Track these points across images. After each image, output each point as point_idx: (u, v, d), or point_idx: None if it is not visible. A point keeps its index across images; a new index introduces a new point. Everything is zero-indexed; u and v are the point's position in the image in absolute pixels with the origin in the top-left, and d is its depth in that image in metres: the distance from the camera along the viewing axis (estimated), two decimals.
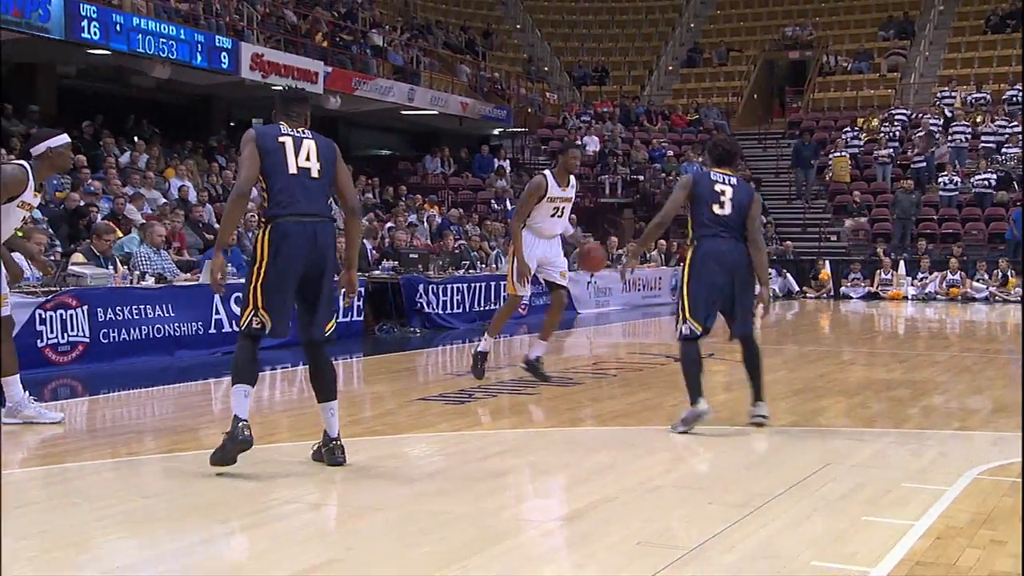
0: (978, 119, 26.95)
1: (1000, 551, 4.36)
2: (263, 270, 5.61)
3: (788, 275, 22.92)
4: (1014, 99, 27.33)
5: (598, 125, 29.21)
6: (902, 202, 24.16)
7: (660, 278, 21.44)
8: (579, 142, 24.57)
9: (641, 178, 27.15)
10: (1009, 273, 22.04)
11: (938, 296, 22.05)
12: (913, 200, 24.40)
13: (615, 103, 30.72)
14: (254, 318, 5.66)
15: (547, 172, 9.42)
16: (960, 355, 8.80)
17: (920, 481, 5.69)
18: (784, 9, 33.37)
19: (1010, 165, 25.29)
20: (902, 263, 22.98)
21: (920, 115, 27.53)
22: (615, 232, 23.19)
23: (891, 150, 26.54)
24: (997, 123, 26.46)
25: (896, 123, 27.76)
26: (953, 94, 28.32)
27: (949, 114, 27.47)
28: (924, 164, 25.69)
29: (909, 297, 22.28)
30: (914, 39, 31.79)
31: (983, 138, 26.24)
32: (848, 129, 27.59)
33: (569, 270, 9.83)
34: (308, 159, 5.72)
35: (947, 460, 6.27)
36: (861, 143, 27.20)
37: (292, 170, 5.65)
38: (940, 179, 25.17)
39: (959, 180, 24.86)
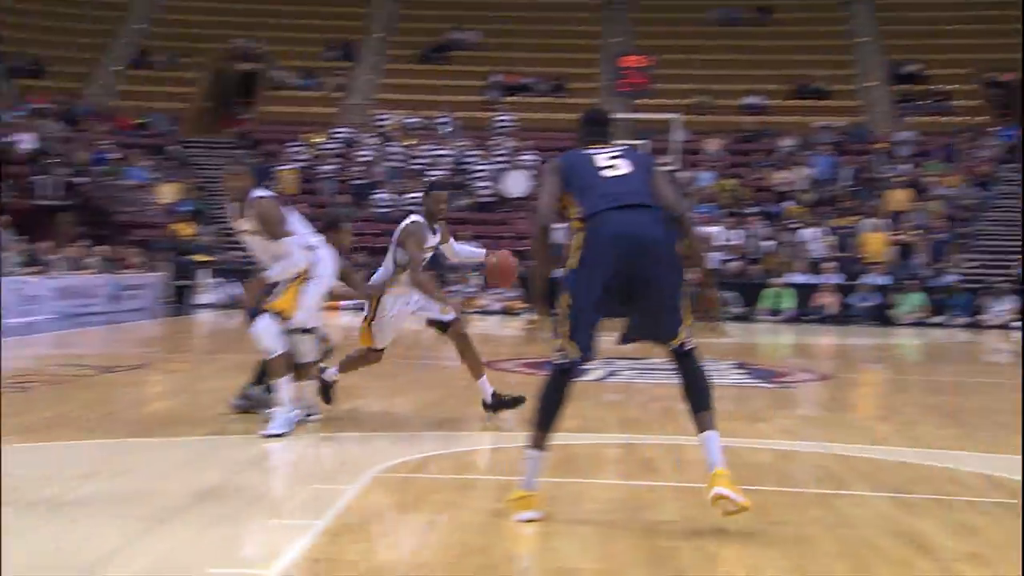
0: (411, 142, 28.72)
1: (382, 543, 4.72)
2: None
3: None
4: (440, 124, 29.48)
5: (35, 122, 27.31)
6: (339, 215, 25.08)
7: (98, 286, 20.50)
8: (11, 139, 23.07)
9: (84, 180, 25.90)
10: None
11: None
12: (348, 214, 25.25)
13: (54, 99, 29.00)
14: None
15: (419, 218, 8.25)
16: (386, 361, 9.29)
17: (326, 482, 6.00)
18: (235, 20, 33.16)
19: (442, 181, 27.15)
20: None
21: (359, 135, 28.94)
22: (53, 237, 21.87)
23: (333, 166, 27.53)
24: (426, 147, 28.36)
25: (338, 140, 28.77)
26: (389, 117, 29.84)
27: (385, 136, 28.96)
28: (364, 181, 26.97)
29: None
30: (356, 62, 33.09)
31: (415, 160, 28.02)
32: (293, 144, 28.19)
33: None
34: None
35: (352, 461, 6.60)
36: (307, 158, 27.91)
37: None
38: (376, 196, 26.48)
39: (393, 197, 26.29)
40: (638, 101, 28.76)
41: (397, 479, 6.09)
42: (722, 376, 11.46)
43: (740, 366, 13.28)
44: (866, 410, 11.31)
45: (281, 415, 7.19)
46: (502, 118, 29.46)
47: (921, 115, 30.54)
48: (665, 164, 26.10)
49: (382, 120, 29.93)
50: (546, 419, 5.18)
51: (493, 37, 34.10)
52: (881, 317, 23.04)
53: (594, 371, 12.03)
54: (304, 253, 7.52)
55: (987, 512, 5.68)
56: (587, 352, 5.14)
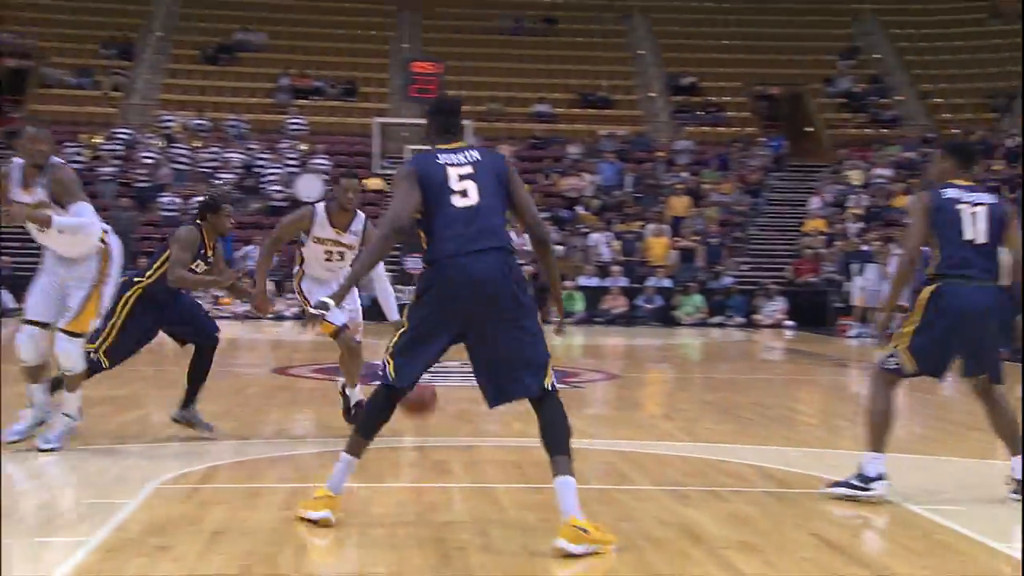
0: (197, 144, 28.03)
1: (165, 556, 4.51)
2: None
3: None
4: (230, 127, 28.88)
5: None
6: (122, 219, 24.20)
7: None
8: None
9: None
10: (223, 292, 23.15)
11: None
12: (132, 217, 24.49)
13: None
14: None
15: (319, 206, 7.93)
16: (172, 370, 9.00)
17: (104, 496, 5.74)
18: (4, 14, 31.87)
19: (225, 189, 26.57)
20: None
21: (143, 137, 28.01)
22: None
23: (115, 168, 26.54)
24: (214, 149, 27.75)
25: (118, 142, 27.77)
26: (173, 118, 29.00)
27: (171, 137, 28.16)
28: (148, 183, 26.13)
29: None
30: (135, 61, 32.07)
31: (201, 163, 27.35)
32: (70, 144, 26.99)
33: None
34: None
35: (132, 473, 6.32)
36: (84, 159, 26.78)
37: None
38: (161, 199, 25.70)
39: (179, 201, 25.57)
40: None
41: (181, 491, 5.90)
42: None
43: None
44: (651, 408, 11.67)
45: (61, 428, 6.89)
46: (293, 121, 29.10)
47: (697, 125, 31.65)
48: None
49: (166, 121, 29.10)
50: (368, 429, 5.12)
51: (281, 39, 33.63)
52: (665, 318, 23.91)
53: None
54: (99, 224, 7.06)
55: (757, 502, 5.95)
56: (406, 383, 5.05)
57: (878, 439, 6.06)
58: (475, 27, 34.85)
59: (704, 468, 7.08)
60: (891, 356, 6.21)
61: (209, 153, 27.88)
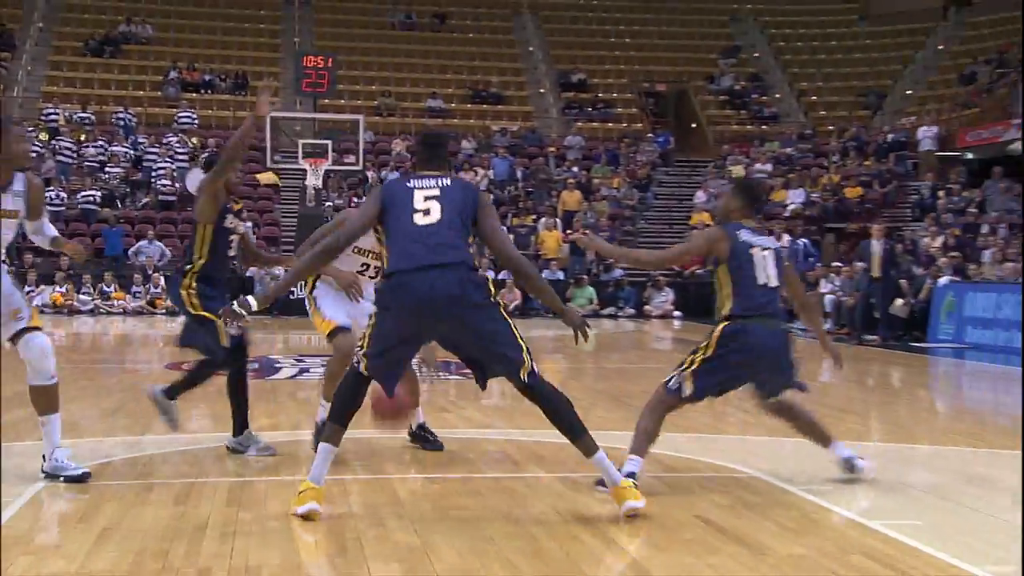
0: (82, 137, 27.54)
1: (54, 554, 4.48)
2: None
3: None
4: (117, 120, 28.42)
5: None
6: None
7: None
8: None
9: None
10: (113, 287, 22.99)
11: (45, 309, 21.86)
12: None
13: None
14: None
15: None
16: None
17: None
18: None
19: (113, 184, 26.24)
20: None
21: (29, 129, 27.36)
22: None
23: None
24: (100, 142, 27.29)
25: None
26: (57, 111, 28.43)
27: (55, 131, 27.64)
28: None
29: None
30: (15, 52, 31.39)
31: (88, 157, 26.88)
32: None
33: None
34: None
35: (20, 471, 6.14)
36: None
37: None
38: (47, 193, 25.14)
39: (65, 196, 25.13)
40: (324, 101, 28.71)
41: (71, 487, 5.78)
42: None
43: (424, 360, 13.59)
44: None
45: None
46: (183, 115, 28.80)
47: (587, 121, 32.19)
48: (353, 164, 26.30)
49: (50, 114, 28.54)
50: (341, 416, 5.19)
51: (169, 32, 33.26)
52: None
53: (286, 368, 12.15)
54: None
55: (645, 486, 5.97)
56: (385, 377, 5.22)
57: (640, 446, 6.15)
58: (366, 22, 35.01)
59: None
60: (673, 379, 6.28)
61: (95, 147, 27.36)
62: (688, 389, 6.21)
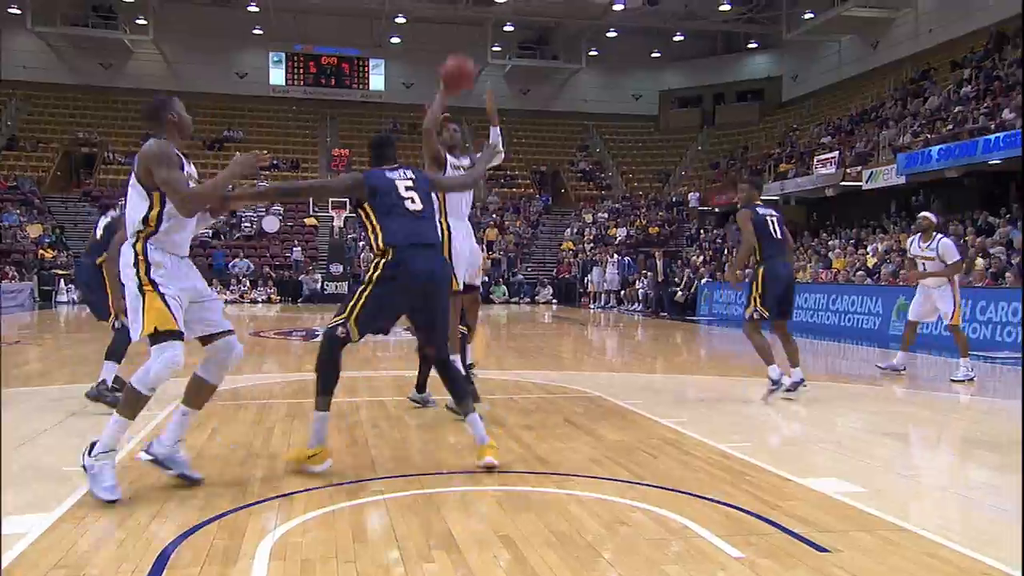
0: None
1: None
2: None
3: None
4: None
5: None
6: None
7: None
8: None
9: None
10: (217, 288, 22.52)
11: None
12: None
13: None
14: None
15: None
16: None
17: None
18: (77, 119, 30.55)
19: (218, 224, 25.72)
20: None
21: None
22: None
23: None
24: None
25: None
26: None
27: None
28: None
29: None
30: None
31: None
32: None
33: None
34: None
35: None
36: None
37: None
38: None
39: None
40: None
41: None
42: None
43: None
44: (476, 353, 9.08)
45: None
46: (260, 183, 27.98)
47: (500, 187, 30.96)
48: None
49: None
50: (329, 382, 3.91)
51: (253, 135, 31.40)
52: (485, 300, 25.07)
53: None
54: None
55: (535, 402, 5.92)
56: (360, 338, 3.93)
57: (766, 359, 6.23)
58: (369, 129, 32.82)
59: (506, 385, 6.82)
60: (755, 312, 6.15)
61: None
62: (758, 314, 6.17)
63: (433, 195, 4.22)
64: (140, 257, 3.52)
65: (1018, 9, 20.79)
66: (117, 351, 5.61)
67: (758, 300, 6.16)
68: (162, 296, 3.46)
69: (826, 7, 26.52)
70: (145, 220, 3.55)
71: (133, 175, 3.58)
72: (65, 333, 13.93)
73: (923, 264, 8.01)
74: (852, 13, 25.44)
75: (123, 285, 3.56)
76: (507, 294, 25.57)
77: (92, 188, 27.63)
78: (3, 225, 24.48)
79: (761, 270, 6.19)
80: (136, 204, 3.55)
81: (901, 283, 14.05)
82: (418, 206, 4.04)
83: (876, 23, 25.98)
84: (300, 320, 17.13)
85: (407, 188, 4.06)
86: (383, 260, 3.93)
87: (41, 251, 23.85)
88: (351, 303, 3.92)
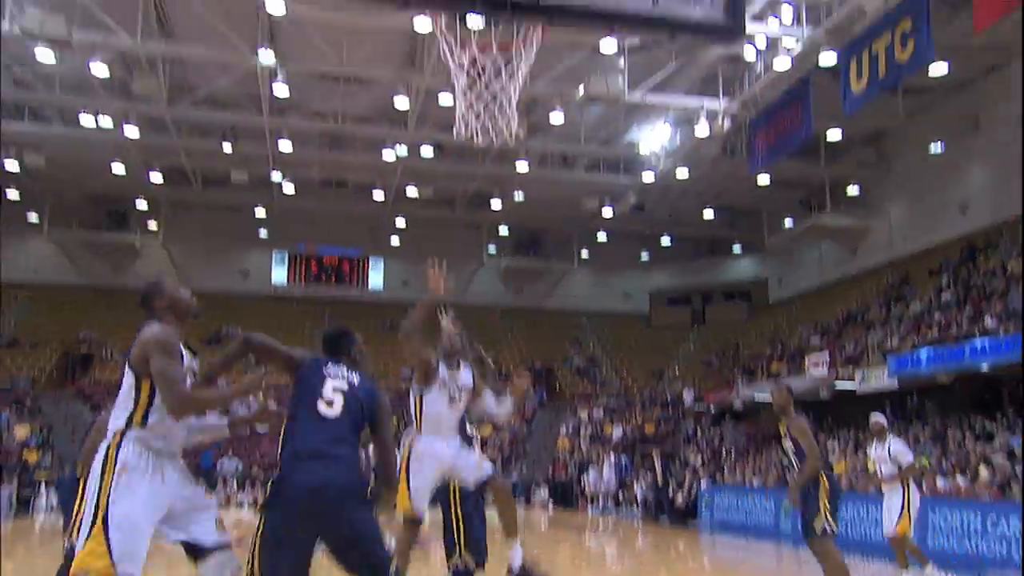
0: None
1: None
2: None
3: None
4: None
5: None
6: None
7: None
8: None
9: None
10: (205, 488, 22.18)
11: None
12: None
13: None
14: None
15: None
16: None
17: None
18: (79, 318, 30.77)
19: None
20: None
21: None
22: None
23: None
24: None
25: None
26: None
27: None
28: None
29: None
30: None
31: None
32: None
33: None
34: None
35: None
36: None
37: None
38: None
39: None
40: None
41: None
42: None
43: None
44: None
45: None
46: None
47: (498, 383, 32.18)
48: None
49: None
50: None
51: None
52: None
53: None
54: None
55: None
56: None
57: None
58: (367, 328, 31.98)
59: None
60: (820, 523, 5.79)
61: None
62: (830, 528, 5.78)
63: (377, 413, 3.53)
64: (109, 458, 3.12)
65: (985, 222, 22.05)
66: None
67: (828, 511, 5.76)
68: (106, 524, 2.99)
69: (804, 216, 28.06)
70: (130, 418, 3.19)
71: (127, 362, 3.28)
72: (39, 546, 13.34)
73: (880, 469, 7.89)
74: (829, 222, 26.87)
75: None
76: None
77: (86, 387, 27.51)
78: None
79: (824, 478, 5.94)
80: (123, 397, 3.24)
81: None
82: (334, 412, 3.41)
83: (852, 231, 27.39)
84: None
85: (334, 390, 3.47)
86: (274, 477, 3.28)
87: (26, 453, 23.26)
88: (251, 546, 3.18)
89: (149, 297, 3.44)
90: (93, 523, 3.06)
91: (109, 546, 3.02)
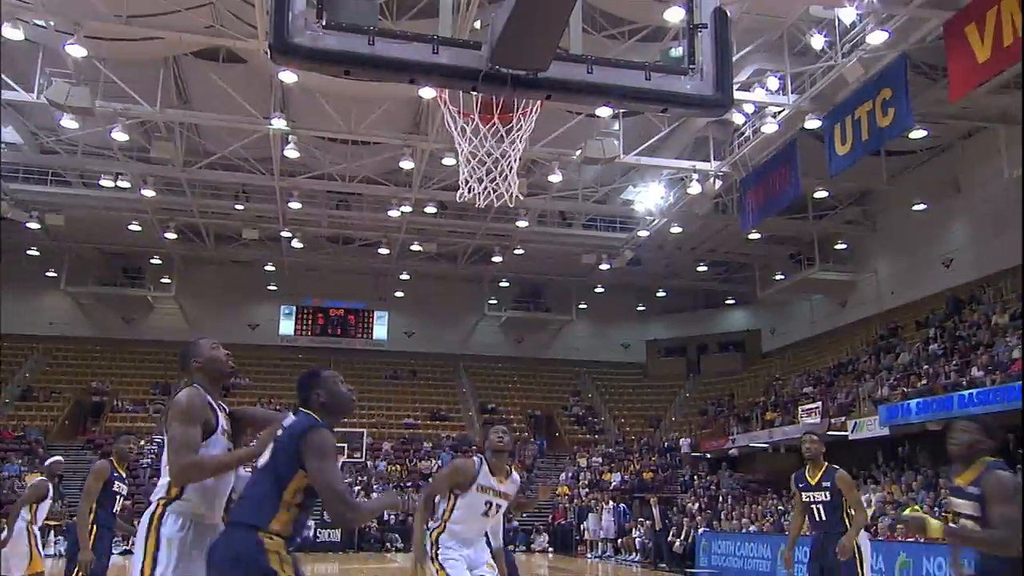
0: None
1: None
2: None
3: None
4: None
5: None
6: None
7: None
8: None
9: None
10: None
11: None
12: None
13: None
14: None
15: (477, 457, 4.68)
16: None
17: None
18: (92, 369, 31.37)
19: None
20: None
21: None
22: None
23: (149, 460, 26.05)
24: None
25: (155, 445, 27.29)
26: None
27: None
28: None
29: None
30: (170, 394, 31.33)
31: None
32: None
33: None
34: None
35: None
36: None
37: None
38: None
39: None
40: (344, 421, 28.66)
41: None
42: None
43: None
44: None
45: None
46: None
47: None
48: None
49: None
50: None
51: (257, 382, 31.78)
52: None
53: None
54: None
55: None
56: None
57: None
58: (370, 375, 33.39)
59: None
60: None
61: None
62: None
63: (289, 453, 3.02)
64: (152, 528, 3.11)
65: (969, 277, 22.43)
66: None
67: None
68: None
69: (794, 270, 28.46)
70: (169, 485, 3.16)
71: (164, 430, 3.29)
72: None
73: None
74: (818, 276, 27.25)
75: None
76: (503, 542, 24.57)
77: (96, 436, 27.53)
78: (3, 476, 24.07)
79: (862, 540, 5.60)
80: (164, 466, 3.20)
81: (899, 538, 13.75)
82: (260, 462, 3.11)
83: (842, 285, 27.76)
84: None
85: (272, 438, 3.09)
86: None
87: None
88: None
89: (186, 357, 3.43)
90: None
91: None
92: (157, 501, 3.25)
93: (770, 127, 18.68)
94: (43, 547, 20.16)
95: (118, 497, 5.57)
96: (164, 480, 3.26)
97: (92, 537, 5.41)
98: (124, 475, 5.73)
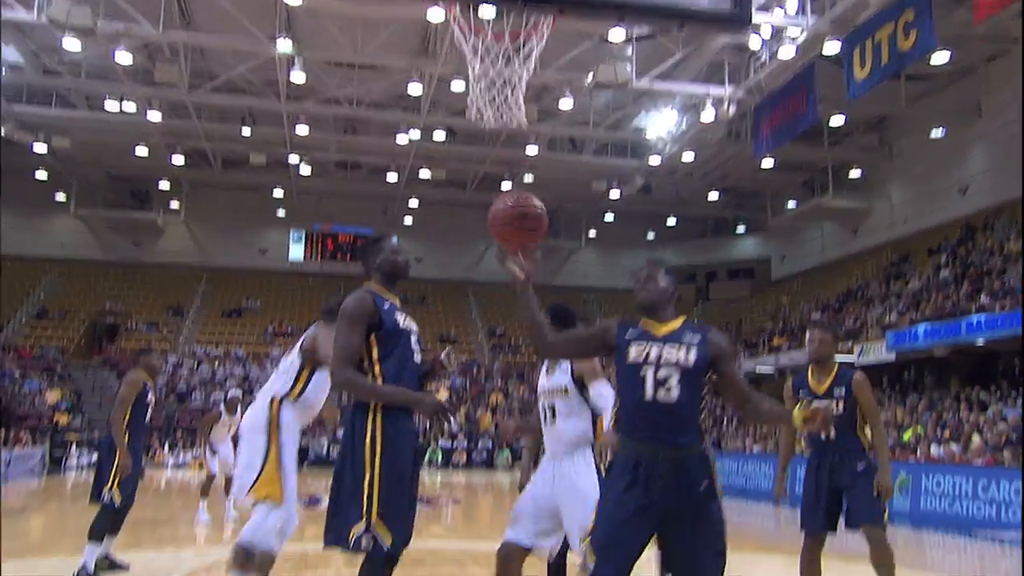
0: (215, 363, 27.78)
1: None
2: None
3: None
4: (236, 354, 28.85)
5: None
6: (169, 410, 24.35)
7: None
8: None
9: None
10: None
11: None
12: (175, 409, 24.76)
13: None
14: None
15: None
16: None
17: None
18: (105, 292, 31.42)
19: (230, 386, 26.29)
20: None
21: None
22: None
23: (165, 377, 26.37)
24: (227, 367, 27.72)
25: (170, 364, 27.66)
26: (202, 349, 29.20)
27: (200, 361, 28.35)
28: (185, 388, 26.32)
29: None
30: (183, 317, 31.36)
31: (218, 376, 26.96)
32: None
33: None
34: None
35: None
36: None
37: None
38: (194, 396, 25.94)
39: (201, 397, 25.64)
40: None
41: None
42: None
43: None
44: (483, 518, 10.26)
45: None
46: (274, 351, 27.99)
47: (504, 355, 31.42)
48: None
49: (195, 352, 28.47)
50: None
51: (268, 305, 32.17)
52: (489, 464, 24.89)
53: None
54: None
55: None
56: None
57: None
58: None
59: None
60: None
61: (223, 370, 27.43)
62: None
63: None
64: (273, 416, 3.84)
65: (985, 203, 22.21)
66: (100, 530, 5.34)
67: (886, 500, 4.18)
68: (279, 465, 3.77)
69: (807, 197, 28.21)
70: (290, 390, 3.95)
71: (300, 344, 3.99)
72: (71, 500, 13.78)
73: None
74: (831, 204, 27.03)
75: (243, 444, 3.87)
76: (509, 457, 25.37)
77: (112, 356, 28.10)
78: (24, 391, 24.72)
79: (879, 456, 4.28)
80: (287, 369, 3.94)
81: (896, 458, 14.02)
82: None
83: (854, 212, 27.56)
84: (304, 485, 16.74)
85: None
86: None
87: (57, 416, 23.95)
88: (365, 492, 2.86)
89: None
90: (264, 465, 3.77)
91: (282, 482, 3.75)
92: (275, 396, 3.91)
93: (788, 51, 18.22)
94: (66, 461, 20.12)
95: (148, 407, 5.75)
96: (283, 382, 3.94)
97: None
98: (152, 387, 5.94)
